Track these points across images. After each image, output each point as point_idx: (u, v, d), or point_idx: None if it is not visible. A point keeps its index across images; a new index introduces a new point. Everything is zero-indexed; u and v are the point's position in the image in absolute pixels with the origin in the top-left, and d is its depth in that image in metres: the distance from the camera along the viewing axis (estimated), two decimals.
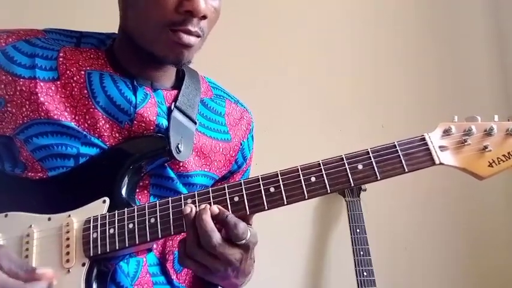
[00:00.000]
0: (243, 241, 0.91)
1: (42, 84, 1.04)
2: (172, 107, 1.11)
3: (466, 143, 0.91)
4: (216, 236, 0.90)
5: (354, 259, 2.06)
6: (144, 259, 1.07)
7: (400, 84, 2.56)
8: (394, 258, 2.37)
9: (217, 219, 0.91)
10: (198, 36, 1.03)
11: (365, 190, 2.26)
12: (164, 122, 1.08)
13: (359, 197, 2.23)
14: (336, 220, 2.37)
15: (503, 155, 0.89)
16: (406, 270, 2.39)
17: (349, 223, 2.16)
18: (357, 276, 2.03)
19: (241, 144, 1.25)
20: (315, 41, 2.52)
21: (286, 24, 2.48)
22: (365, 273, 2.02)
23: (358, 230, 2.12)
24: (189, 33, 1.01)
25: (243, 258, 0.94)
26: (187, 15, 0.99)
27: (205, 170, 1.16)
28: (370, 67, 2.56)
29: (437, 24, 2.66)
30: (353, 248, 2.09)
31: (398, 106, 2.53)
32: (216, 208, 0.92)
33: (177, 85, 1.18)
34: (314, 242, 2.36)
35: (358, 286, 2.01)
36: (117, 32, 1.16)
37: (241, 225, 0.91)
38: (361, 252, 2.07)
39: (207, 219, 0.90)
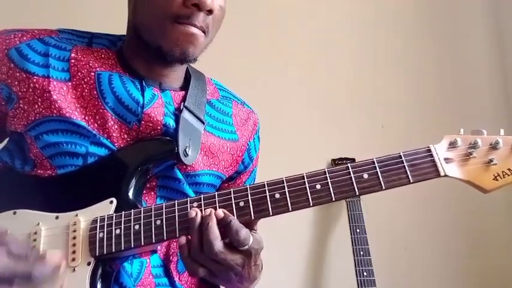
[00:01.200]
0: (245, 247, 0.92)
1: (55, 83, 1.06)
2: (182, 107, 1.13)
3: (471, 156, 0.92)
4: (218, 244, 0.91)
5: (354, 259, 2.06)
6: (148, 260, 1.08)
7: (400, 84, 2.57)
8: (394, 258, 2.38)
9: (222, 223, 0.92)
10: (203, 31, 1.05)
11: None
12: (171, 122, 1.10)
13: (359, 197, 2.22)
14: (336, 220, 2.38)
15: (508, 169, 0.89)
16: (406, 270, 2.40)
17: (349, 223, 2.16)
18: (357, 276, 2.03)
19: (247, 145, 1.27)
20: (315, 41, 2.52)
21: (286, 24, 2.49)
22: (365, 273, 2.02)
23: (358, 230, 2.13)
24: (195, 26, 1.03)
25: (245, 264, 0.94)
26: (194, 9, 1.02)
27: (213, 169, 1.18)
28: (370, 67, 2.56)
29: (437, 25, 2.67)
30: (353, 248, 2.09)
31: (398, 106, 2.53)
32: (221, 212, 0.93)
33: (185, 86, 1.20)
34: (314, 241, 2.36)
35: (358, 286, 2.01)
36: (125, 34, 1.17)
37: (243, 231, 0.92)
38: (361, 252, 2.07)
39: (212, 225, 0.91)
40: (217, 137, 1.20)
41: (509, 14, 2.64)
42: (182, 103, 1.14)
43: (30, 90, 1.05)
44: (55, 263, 0.90)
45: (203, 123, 1.16)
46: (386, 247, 2.32)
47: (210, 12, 1.04)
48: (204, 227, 0.91)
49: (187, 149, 1.08)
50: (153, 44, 1.07)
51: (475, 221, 2.49)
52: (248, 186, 0.96)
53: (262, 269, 1.06)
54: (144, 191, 1.09)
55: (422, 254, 2.43)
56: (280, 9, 2.51)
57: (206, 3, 1.01)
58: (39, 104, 1.05)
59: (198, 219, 0.93)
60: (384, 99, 2.53)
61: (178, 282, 1.14)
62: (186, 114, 1.12)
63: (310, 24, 2.53)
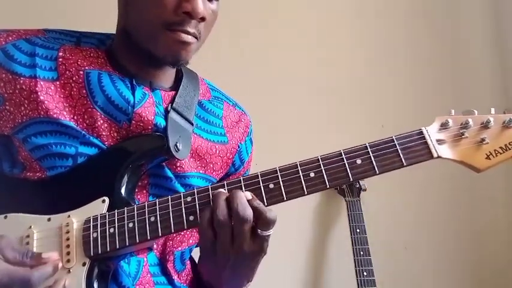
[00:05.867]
0: (266, 232, 0.91)
1: (42, 83, 1.04)
2: (169, 108, 1.11)
3: (463, 136, 0.92)
4: (250, 211, 0.89)
5: (354, 259, 2.06)
6: (145, 259, 1.07)
7: (400, 84, 2.57)
8: (394, 258, 2.37)
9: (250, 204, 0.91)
10: (196, 37, 1.04)
11: (365, 190, 2.26)
12: (162, 122, 1.09)
13: (359, 197, 2.23)
14: (336, 220, 2.37)
15: (500, 147, 0.89)
16: (406, 270, 2.39)
17: (349, 223, 2.16)
18: (357, 276, 2.03)
19: (238, 147, 1.25)
20: (315, 40, 2.52)
21: (286, 23, 2.48)
22: (365, 273, 2.02)
23: (358, 230, 2.12)
24: (187, 33, 1.02)
25: (246, 261, 0.93)
26: (186, 17, 1.00)
27: (201, 171, 1.16)
28: (370, 67, 2.56)
29: (437, 25, 2.67)
30: (353, 248, 2.09)
31: (398, 106, 2.53)
32: (249, 194, 0.92)
33: (176, 86, 1.18)
34: (314, 242, 2.36)
35: (358, 286, 2.01)
36: (115, 33, 1.16)
37: (273, 213, 0.90)
38: (361, 252, 2.07)
39: (243, 194, 0.91)
40: (205, 139, 1.18)
41: (509, 14, 2.63)
42: (170, 104, 1.13)
43: (17, 91, 1.03)
44: (52, 265, 0.91)
45: (192, 124, 1.14)
46: (386, 247, 2.31)
47: (202, 19, 1.02)
48: (236, 192, 0.90)
49: (177, 144, 1.07)
50: (144, 48, 1.06)
51: (475, 220, 2.49)
52: (242, 178, 0.95)
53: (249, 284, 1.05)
54: (136, 190, 1.07)
55: (422, 254, 2.43)
56: (281, 9, 2.50)
57: (198, 12, 0.99)
58: (26, 105, 1.03)
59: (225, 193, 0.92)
60: (383, 99, 2.53)
61: (177, 281, 1.13)
62: (173, 115, 1.11)
63: (309, 23, 2.53)
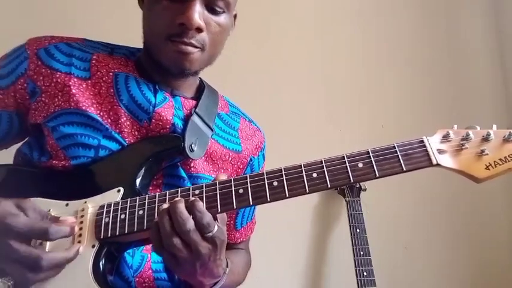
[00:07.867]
0: (210, 234, 0.93)
1: (75, 79, 1.15)
2: (192, 111, 1.20)
3: (463, 147, 0.94)
4: (190, 222, 0.92)
5: (354, 259, 2.07)
6: (149, 255, 1.15)
7: (400, 84, 2.58)
8: (394, 258, 2.38)
9: (188, 207, 0.94)
10: (196, 47, 1.12)
11: (365, 190, 2.28)
12: (180, 123, 1.18)
13: (359, 197, 2.24)
14: (336, 220, 2.39)
15: (500, 159, 0.90)
16: (406, 270, 2.40)
17: (349, 223, 2.17)
18: (357, 276, 2.03)
19: (251, 160, 1.33)
20: (315, 40, 2.54)
21: (286, 23, 2.51)
22: (365, 273, 2.03)
23: (358, 230, 2.13)
24: (185, 44, 1.11)
25: (211, 255, 0.96)
26: (183, 28, 1.09)
27: (212, 175, 1.23)
28: (371, 67, 2.58)
29: (438, 24, 2.68)
30: (353, 248, 2.10)
31: (398, 106, 2.54)
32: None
33: (197, 97, 1.28)
34: (314, 241, 2.38)
35: (358, 286, 2.02)
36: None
37: (207, 216, 0.94)
38: (361, 252, 2.08)
39: (182, 206, 0.94)
40: (221, 145, 1.26)
41: (509, 14, 2.65)
42: (193, 109, 1.22)
43: (53, 84, 1.15)
44: (69, 225, 0.99)
45: (211, 130, 1.23)
46: (386, 247, 2.33)
47: (199, 30, 1.10)
48: (175, 208, 0.93)
49: (193, 145, 1.15)
50: (156, 60, 1.16)
51: (475, 220, 2.50)
52: (248, 175, 1.00)
53: (227, 268, 1.08)
54: (151, 188, 1.15)
55: (422, 254, 2.44)
56: (281, 9, 2.53)
57: (191, 23, 1.08)
58: (59, 97, 1.14)
59: (166, 204, 0.96)
60: (383, 99, 2.55)
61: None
62: (195, 119, 1.20)
63: (311, 24, 2.56)
